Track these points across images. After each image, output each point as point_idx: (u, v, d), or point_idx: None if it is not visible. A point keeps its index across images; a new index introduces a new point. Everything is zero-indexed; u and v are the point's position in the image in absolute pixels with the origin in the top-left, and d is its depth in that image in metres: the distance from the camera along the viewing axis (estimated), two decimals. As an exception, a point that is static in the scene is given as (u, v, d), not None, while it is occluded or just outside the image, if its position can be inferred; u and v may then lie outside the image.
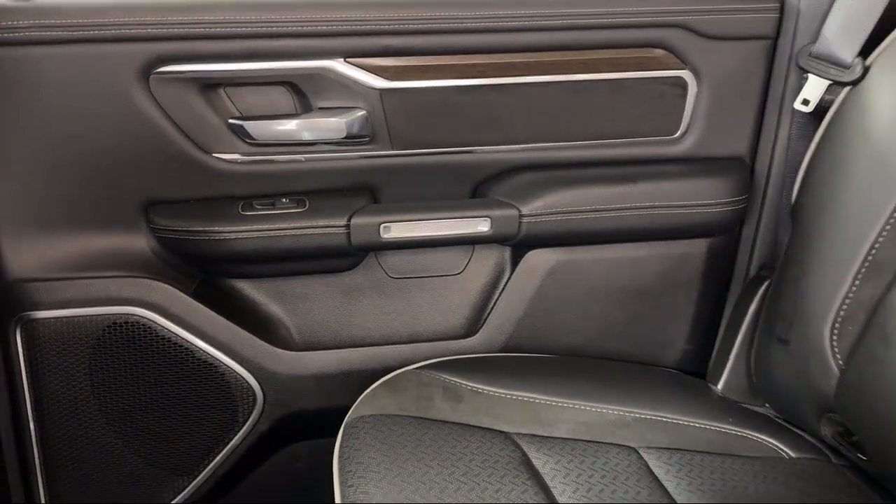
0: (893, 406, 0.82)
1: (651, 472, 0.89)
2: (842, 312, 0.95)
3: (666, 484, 0.87)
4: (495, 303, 1.15)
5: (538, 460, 0.87)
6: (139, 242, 1.06)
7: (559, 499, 0.81)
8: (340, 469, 0.84)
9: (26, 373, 1.05)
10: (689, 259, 1.18)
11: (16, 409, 1.06)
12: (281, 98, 1.04)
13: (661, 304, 1.19)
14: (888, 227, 0.93)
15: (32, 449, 1.08)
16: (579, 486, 0.84)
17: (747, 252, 1.21)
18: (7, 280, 1.02)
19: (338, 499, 0.82)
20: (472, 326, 1.17)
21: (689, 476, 0.90)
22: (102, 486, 1.11)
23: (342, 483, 0.83)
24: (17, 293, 1.02)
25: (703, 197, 1.15)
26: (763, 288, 1.13)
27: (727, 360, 1.13)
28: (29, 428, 1.07)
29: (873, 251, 0.94)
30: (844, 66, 1.06)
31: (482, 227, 1.10)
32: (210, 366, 1.07)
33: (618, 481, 0.86)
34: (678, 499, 0.86)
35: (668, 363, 1.21)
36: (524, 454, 0.88)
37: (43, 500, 1.11)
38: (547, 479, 0.84)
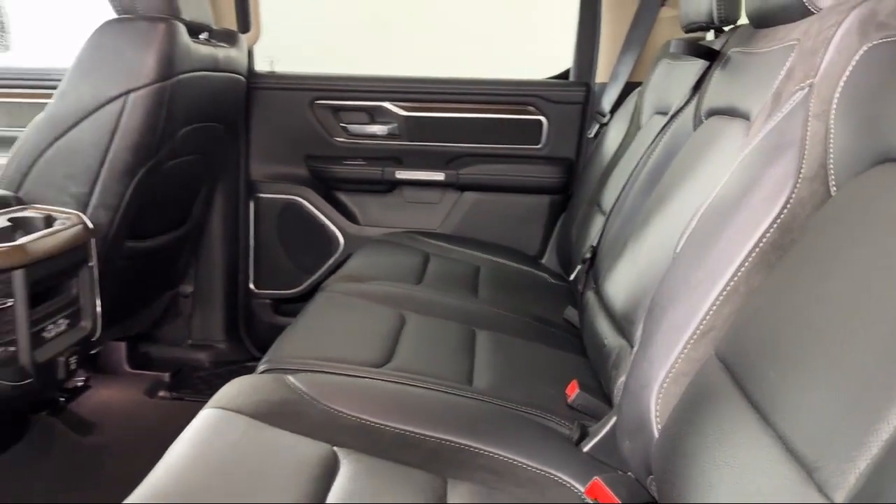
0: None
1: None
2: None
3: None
4: (450, 213, 2.37)
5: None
6: (302, 171, 2.38)
7: None
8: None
9: (253, 221, 2.40)
10: (542, 204, 2.34)
11: (247, 237, 2.41)
12: (364, 116, 2.34)
13: (527, 225, 2.35)
14: (609, 180, 2.05)
15: (249, 248, 2.41)
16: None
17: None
18: (252, 180, 2.37)
19: None
20: (441, 223, 2.38)
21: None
22: (284, 274, 2.42)
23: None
24: (253, 186, 2.37)
25: (552, 175, 2.31)
26: None
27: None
28: (248, 238, 2.41)
29: (602, 197, 2.06)
30: (604, 116, 2.20)
31: (442, 178, 2.32)
32: (325, 228, 2.37)
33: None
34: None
35: (530, 253, 2.35)
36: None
37: (251, 284, 2.44)
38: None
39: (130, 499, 0.79)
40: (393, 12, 3.00)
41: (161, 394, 2.16)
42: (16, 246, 1.35)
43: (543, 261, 2.31)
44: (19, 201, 1.59)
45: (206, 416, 0.96)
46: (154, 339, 2.39)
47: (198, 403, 1.04)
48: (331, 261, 2.40)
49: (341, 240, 2.39)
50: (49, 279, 1.44)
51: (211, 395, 1.04)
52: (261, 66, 2.35)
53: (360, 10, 3.01)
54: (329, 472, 0.89)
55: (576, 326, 1.72)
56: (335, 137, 2.36)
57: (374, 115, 2.34)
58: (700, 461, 0.77)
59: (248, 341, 2.50)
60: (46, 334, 1.43)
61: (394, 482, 0.90)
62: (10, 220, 1.44)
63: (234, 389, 1.04)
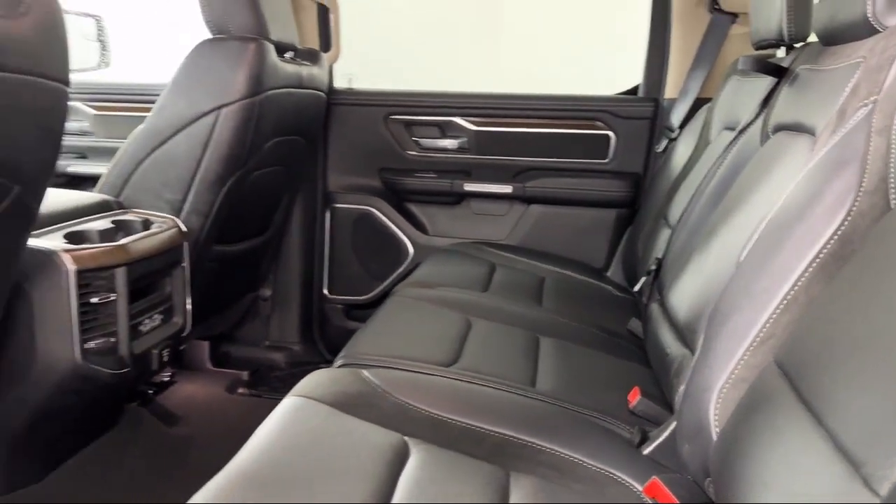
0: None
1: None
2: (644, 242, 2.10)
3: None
4: (516, 225, 2.42)
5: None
6: (376, 183, 2.48)
7: None
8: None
9: (329, 229, 2.50)
10: (609, 217, 2.36)
11: (323, 244, 2.52)
12: (435, 131, 2.42)
13: (593, 238, 2.37)
14: (677, 194, 2.07)
15: (324, 255, 2.52)
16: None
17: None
18: (328, 191, 2.48)
19: None
20: (507, 234, 2.43)
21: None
22: (355, 279, 2.52)
23: None
24: (330, 197, 2.48)
25: (619, 189, 2.34)
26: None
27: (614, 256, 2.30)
28: (323, 246, 2.52)
29: (669, 211, 2.08)
30: (673, 131, 2.21)
31: (509, 190, 2.38)
32: (397, 237, 2.45)
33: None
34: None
35: (595, 266, 2.38)
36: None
37: (325, 289, 2.54)
38: None
39: (225, 470, 0.87)
40: (464, 30, 3.08)
41: (240, 391, 2.27)
42: (118, 246, 1.47)
43: (608, 274, 2.33)
44: (120, 205, 1.73)
45: (289, 403, 1.03)
46: (234, 339, 2.52)
47: (274, 401, 1.12)
48: (400, 269, 2.48)
49: (411, 249, 2.47)
50: (146, 277, 1.56)
51: (286, 393, 1.11)
52: (339, 82, 2.46)
53: (433, 28, 3.11)
54: (400, 458, 0.95)
55: (639, 337, 1.74)
56: (407, 151, 2.45)
57: (445, 130, 2.42)
58: (755, 462, 0.80)
59: (321, 344, 2.60)
60: (143, 328, 1.55)
61: (460, 472, 0.96)
62: (112, 222, 1.57)
63: (315, 381, 1.11)
